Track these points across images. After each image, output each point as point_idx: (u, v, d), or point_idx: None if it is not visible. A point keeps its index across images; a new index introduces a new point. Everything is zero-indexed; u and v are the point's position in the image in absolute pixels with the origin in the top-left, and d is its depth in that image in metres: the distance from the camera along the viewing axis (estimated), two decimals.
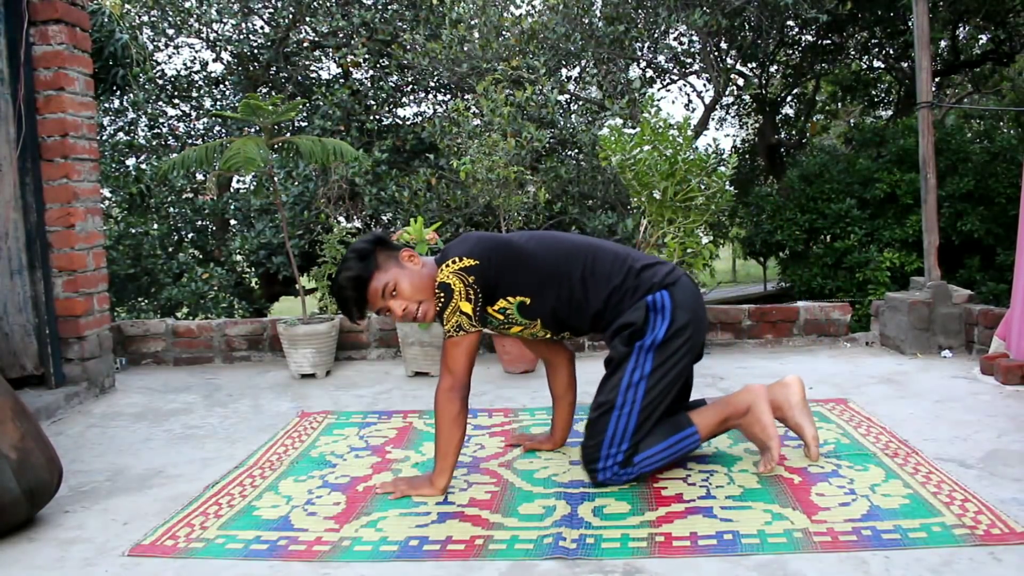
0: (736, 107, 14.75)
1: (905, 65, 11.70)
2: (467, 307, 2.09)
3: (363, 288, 2.15)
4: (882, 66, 12.72)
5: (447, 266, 2.10)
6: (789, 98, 14.16)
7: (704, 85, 12.73)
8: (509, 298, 2.18)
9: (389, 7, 9.09)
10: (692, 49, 10.31)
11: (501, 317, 2.23)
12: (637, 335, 2.18)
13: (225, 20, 9.65)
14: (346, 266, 2.15)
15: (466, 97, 8.89)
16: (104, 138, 9.22)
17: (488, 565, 1.79)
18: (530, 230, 8.27)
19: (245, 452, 2.70)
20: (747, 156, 14.65)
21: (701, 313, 2.27)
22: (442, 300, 2.10)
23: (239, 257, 8.94)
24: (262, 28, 9.97)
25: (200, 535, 1.99)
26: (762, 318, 4.36)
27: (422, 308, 2.16)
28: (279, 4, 9.40)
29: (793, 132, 14.30)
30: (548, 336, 2.33)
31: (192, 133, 10.00)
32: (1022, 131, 11.35)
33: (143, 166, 8.29)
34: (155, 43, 9.75)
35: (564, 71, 9.20)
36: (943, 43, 11.56)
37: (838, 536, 1.85)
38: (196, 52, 10.57)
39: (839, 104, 14.73)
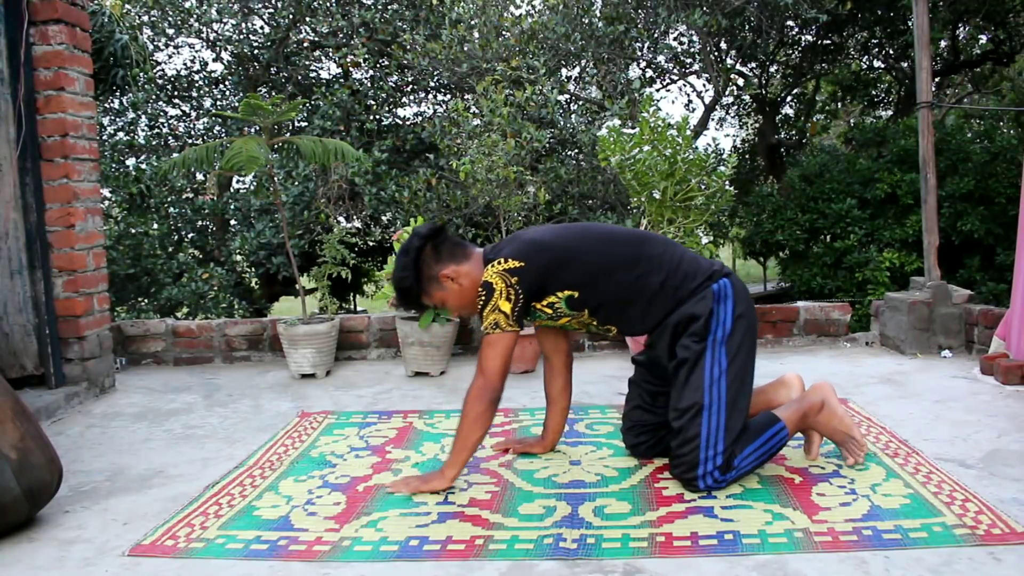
0: (736, 107, 14.75)
1: (905, 65, 11.70)
2: (506, 306, 2.09)
3: (419, 274, 2.19)
4: (882, 66, 12.72)
5: (493, 266, 2.11)
6: (789, 98, 14.16)
7: (704, 85, 12.75)
8: (558, 293, 2.17)
9: (389, 7, 9.09)
10: (692, 49, 10.32)
11: (550, 311, 2.21)
12: (706, 329, 2.13)
13: (225, 20, 9.65)
14: (397, 269, 2.19)
15: (466, 97, 8.89)
16: (104, 138, 9.22)
17: (488, 565, 1.79)
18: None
19: (245, 452, 2.70)
20: (747, 156, 14.65)
21: (752, 301, 2.26)
22: (483, 298, 2.11)
23: (239, 257, 8.95)
24: (262, 28, 9.97)
25: (200, 535, 1.99)
26: (762, 318, 4.36)
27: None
28: (279, 4, 9.40)
29: (793, 132, 14.30)
30: (594, 324, 2.26)
31: (192, 133, 10.00)
32: (1022, 131, 11.35)
33: (143, 166, 8.29)
34: (155, 43, 9.76)
35: (564, 71, 9.20)
36: (943, 43, 11.56)
37: (839, 536, 1.85)
38: (196, 52, 10.58)
39: (839, 104, 14.73)
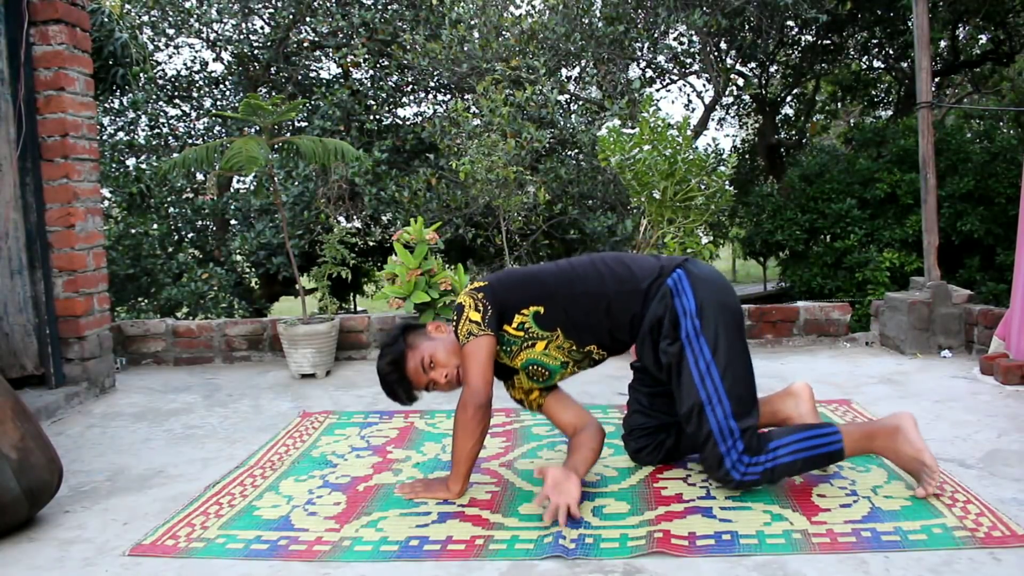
0: (736, 107, 14.76)
1: (905, 65, 11.70)
2: (476, 315, 2.13)
3: (402, 368, 2.21)
4: (882, 66, 12.73)
5: (462, 293, 2.22)
6: (789, 98, 14.16)
7: (704, 85, 12.75)
8: (523, 311, 2.19)
9: (389, 7, 9.09)
10: (692, 49, 10.32)
11: (521, 334, 2.19)
12: (675, 328, 2.11)
13: (225, 20, 9.65)
14: (381, 356, 2.24)
15: (466, 97, 8.89)
16: (104, 138, 9.22)
17: (488, 565, 1.79)
18: (531, 231, 8.31)
19: (245, 452, 2.70)
20: (747, 156, 14.65)
21: (722, 282, 2.22)
22: (455, 318, 2.17)
23: (239, 257, 8.95)
24: (262, 28, 9.97)
25: (201, 535, 1.99)
26: (762, 318, 4.36)
27: (462, 369, 2.19)
28: (279, 4, 9.40)
29: (793, 132, 14.30)
30: (574, 348, 2.23)
31: (192, 133, 10.00)
32: (1022, 131, 11.36)
33: (143, 166, 8.30)
34: (155, 43, 9.76)
35: (564, 71, 9.21)
36: (943, 43, 11.56)
37: (837, 538, 1.85)
38: (196, 52, 10.58)
39: (839, 104, 14.74)
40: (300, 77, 9.71)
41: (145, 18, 9.56)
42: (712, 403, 2.05)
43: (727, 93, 12.71)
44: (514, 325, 2.19)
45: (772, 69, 12.88)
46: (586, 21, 8.41)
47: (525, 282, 2.22)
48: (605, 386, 3.53)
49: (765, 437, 2.08)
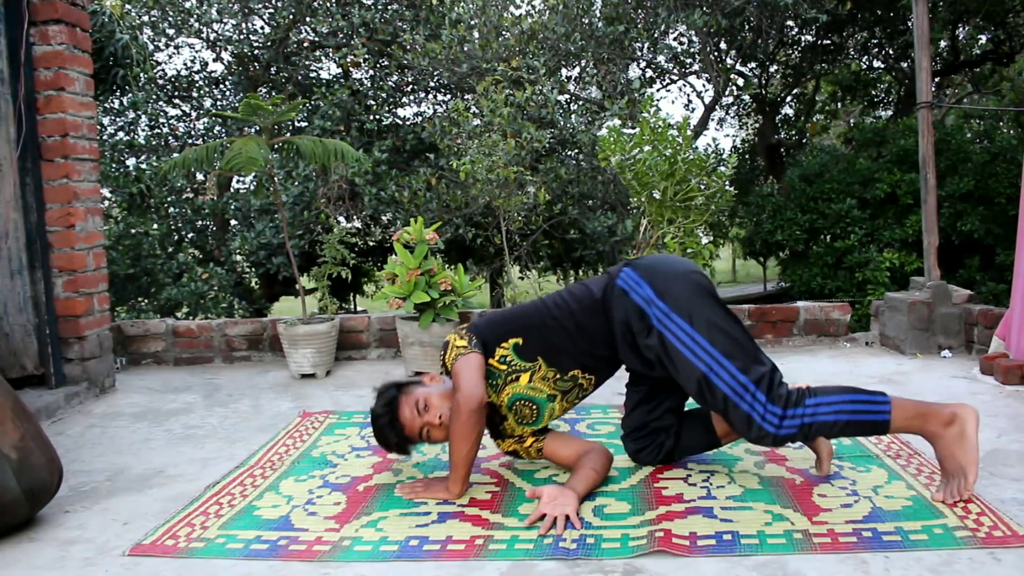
0: (736, 107, 14.76)
1: (905, 65, 11.71)
2: (462, 343, 2.20)
3: (395, 411, 2.23)
4: (882, 66, 12.73)
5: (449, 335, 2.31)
6: (789, 98, 14.17)
7: (704, 85, 12.76)
8: (503, 344, 2.24)
9: (389, 7, 9.09)
10: (692, 49, 10.32)
11: (504, 367, 2.22)
12: (643, 320, 2.11)
13: (225, 20, 9.65)
14: (374, 408, 2.28)
15: (466, 97, 8.89)
16: (104, 138, 9.22)
17: (488, 565, 1.79)
18: (531, 231, 8.31)
19: (245, 452, 2.70)
20: (747, 156, 14.65)
21: (670, 259, 2.23)
22: (443, 354, 2.23)
23: (239, 257, 8.95)
24: (262, 28, 9.97)
25: (201, 535, 1.99)
26: (762, 318, 4.36)
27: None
28: (279, 4, 9.40)
29: (793, 132, 14.30)
30: (558, 378, 2.24)
31: (192, 133, 10.01)
32: (1022, 131, 11.35)
33: (143, 166, 8.30)
34: (155, 43, 9.76)
35: (564, 71, 9.21)
36: (943, 43, 11.57)
37: (838, 537, 1.85)
38: (196, 52, 10.59)
39: (839, 104, 14.74)
40: (300, 77, 9.71)
41: (145, 18, 9.56)
42: (714, 369, 2.01)
43: (727, 93, 12.71)
44: (496, 358, 2.23)
45: (772, 69, 12.89)
46: (586, 21, 8.41)
47: (503, 318, 2.30)
48: (605, 386, 3.52)
49: (805, 392, 2.01)
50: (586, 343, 2.22)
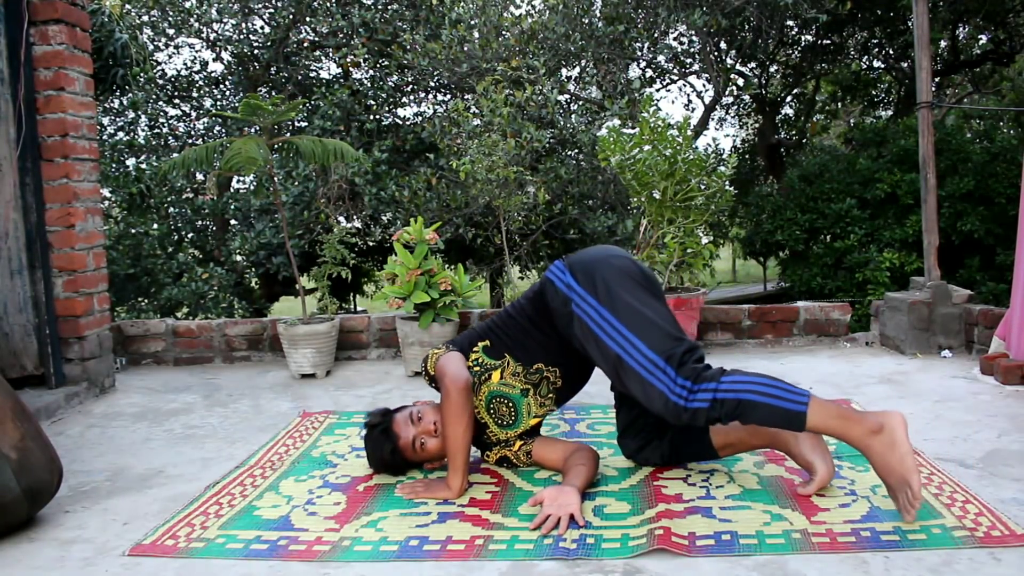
0: (736, 107, 14.77)
1: (905, 65, 11.71)
2: (439, 350, 2.33)
3: (388, 422, 2.34)
4: (882, 66, 12.73)
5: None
6: (789, 98, 14.17)
7: (704, 85, 12.76)
8: (475, 348, 2.36)
9: (389, 7, 9.09)
10: (692, 49, 10.32)
11: (477, 368, 2.33)
12: (565, 304, 2.17)
13: (225, 20, 9.66)
14: (368, 420, 2.40)
15: (466, 97, 8.90)
16: (104, 138, 9.23)
17: (488, 565, 1.79)
18: (531, 231, 8.31)
19: (245, 452, 2.70)
20: (747, 156, 14.66)
21: (599, 248, 2.29)
22: (423, 368, 2.35)
23: (239, 257, 8.95)
24: (262, 28, 9.97)
25: (200, 535, 1.99)
26: (762, 318, 4.36)
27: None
28: (279, 4, 9.40)
29: (793, 132, 14.31)
30: (528, 372, 2.32)
31: (192, 133, 10.02)
32: (1022, 131, 11.36)
33: (143, 166, 8.30)
34: (155, 43, 9.76)
35: (564, 71, 9.21)
36: (943, 43, 11.57)
37: (836, 537, 1.85)
38: (196, 52, 10.60)
39: (839, 104, 14.74)
40: (300, 77, 9.72)
41: (145, 18, 9.56)
42: (627, 351, 2.04)
43: (727, 93, 12.72)
44: (470, 361, 2.34)
45: (772, 69, 12.89)
46: (586, 21, 8.41)
47: (475, 329, 2.44)
48: (605, 386, 3.52)
49: (723, 370, 2.01)
50: (540, 335, 2.32)
